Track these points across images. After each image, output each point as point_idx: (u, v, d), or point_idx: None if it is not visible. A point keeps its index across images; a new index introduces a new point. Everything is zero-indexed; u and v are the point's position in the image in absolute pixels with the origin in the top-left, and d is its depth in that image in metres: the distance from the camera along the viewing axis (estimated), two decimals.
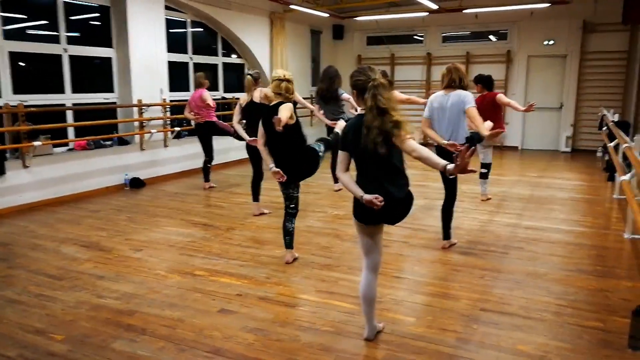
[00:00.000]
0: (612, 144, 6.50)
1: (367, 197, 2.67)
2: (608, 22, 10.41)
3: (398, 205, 2.77)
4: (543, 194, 7.01)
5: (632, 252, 4.54)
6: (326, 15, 11.41)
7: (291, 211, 4.33)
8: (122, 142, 7.74)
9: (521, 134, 11.76)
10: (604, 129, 8.49)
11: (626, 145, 4.85)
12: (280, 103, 4.07)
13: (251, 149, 5.70)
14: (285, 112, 3.91)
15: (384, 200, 2.65)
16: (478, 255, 4.50)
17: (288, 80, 4.13)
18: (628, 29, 10.30)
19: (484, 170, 6.29)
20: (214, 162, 7.54)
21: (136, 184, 7.48)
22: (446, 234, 4.64)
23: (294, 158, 4.16)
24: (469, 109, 4.24)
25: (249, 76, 5.76)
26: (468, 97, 4.31)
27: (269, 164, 4.16)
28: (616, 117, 8.25)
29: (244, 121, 5.85)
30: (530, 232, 5.16)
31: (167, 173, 8.23)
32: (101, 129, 7.49)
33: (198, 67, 9.38)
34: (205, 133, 7.21)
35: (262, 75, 6.25)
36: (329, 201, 6.58)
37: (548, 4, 10.00)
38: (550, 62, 11.40)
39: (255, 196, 5.95)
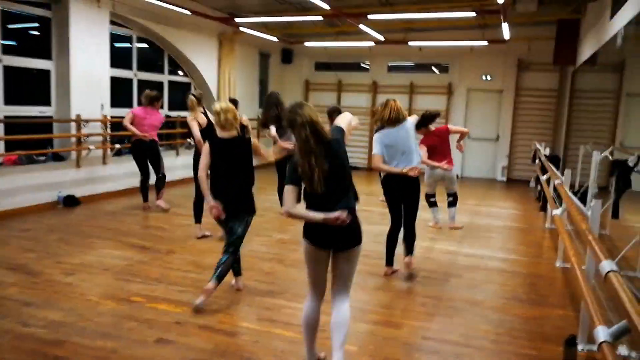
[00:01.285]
0: (544, 177, 6.85)
1: (333, 214, 2.53)
2: (540, 62, 11.11)
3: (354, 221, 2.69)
4: (481, 222, 7.27)
5: (563, 281, 4.76)
6: (275, 39, 11.50)
7: (227, 248, 3.95)
8: (57, 157, 7.37)
9: (461, 163, 12.21)
10: (537, 161, 8.95)
11: (558, 181, 5.12)
12: (241, 137, 3.96)
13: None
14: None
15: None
16: (420, 282, 4.58)
17: (226, 111, 3.87)
18: (558, 70, 11.04)
19: (450, 199, 6.59)
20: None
21: (71, 202, 7.11)
22: (389, 260, 4.70)
23: (245, 190, 3.97)
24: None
25: (192, 96, 5.69)
26: (411, 122, 4.58)
27: (207, 197, 3.87)
28: (547, 151, 8.73)
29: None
30: (469, 260, 5.32)
31: (105, 191, 7.89)
32: (35, 143, 7.11)
33: (142, 83, 9.16)
34: (153, 151, 6.98)
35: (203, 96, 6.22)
36: (273, 225, 6.51)
37: (486, 43, 10.57)
38: (488, 95, 11.98)
39: (198, 218, 5.79)
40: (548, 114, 11.48)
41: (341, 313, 2.75)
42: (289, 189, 2.66)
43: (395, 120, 4.45)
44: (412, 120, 4.62)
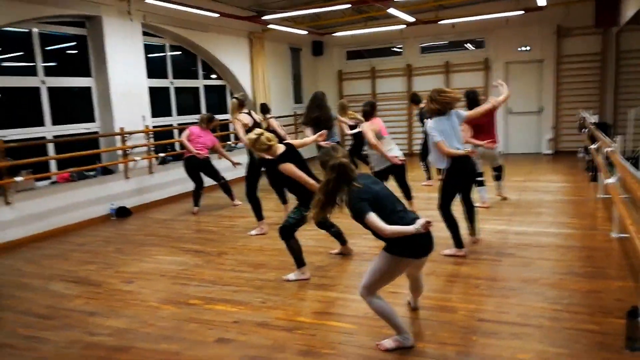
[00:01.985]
0: (594, 146, 6.59)
1: (421, 221, 2.76)
2: (581, 26, 10.64)
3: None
4: (530, 197, 7.07)
5: (620, 252, 4.59)
6: (305, 32, 11.50)
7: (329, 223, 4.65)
8: (106, 171, 7.64)
9: (504, 139, 11.88)
10: (585, 130, 8.61)
11: (609, 149, 4.91)
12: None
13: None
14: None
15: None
16: (471, 264, 4.51)
17: (254, 142, 4.25)
18: (600, 32, 10.54)
19: (495, 173, 6.84)
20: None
21: (123, 213, 7.39)
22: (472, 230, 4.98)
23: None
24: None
25: (234, 99, 5.84)
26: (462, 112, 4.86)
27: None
28: (595, 118, 8.38)
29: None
30: (520, 238, 5.20)
31: (154, 200, 8.16)
32: (83, 159, 7.39)
33: (179, 91, 9.37)
34: (206, 167, 7.44)
35: (246, 97, 6.41)
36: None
37: (521, 12, 10.20)
38: (527, 67, 11.58)
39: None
40: (593, 79, 10.98)
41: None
42: (373, 216, 2.86)
43: (444, 110, 4.62)
44: (461, 111, 4.85)
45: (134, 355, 3.19)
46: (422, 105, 7.86)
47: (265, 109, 7.52)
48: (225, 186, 7.62)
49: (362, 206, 2.87)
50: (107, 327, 3.64)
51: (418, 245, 2.93)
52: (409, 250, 2.93)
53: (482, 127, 6.08)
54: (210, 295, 4.13)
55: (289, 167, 4.21)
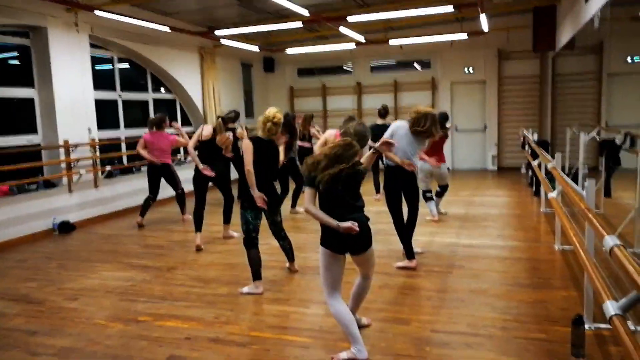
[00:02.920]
0: (535, 162, 6.93)
1: (346, 223, 2.93)
2: (520, 50, 11.25)
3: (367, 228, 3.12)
4: (477, 211, 7.32)
5: (563, 263, 4.82)
6: (256, 49, 11.53)
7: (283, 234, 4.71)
8: (49, 185, 7.31)
9: (450, 155, 12.29)
10: (527, 148, 9.04)
11: (551, 165, 5.18)
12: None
13: (199, 180, 6.00)
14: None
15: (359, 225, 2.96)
16: (423, 276, 4.61)
17: (274, 123, 4.34)
18: (538, 56, 11.18)
19: (438, 190, 7.02)
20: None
21: (65, 228, 7.07)
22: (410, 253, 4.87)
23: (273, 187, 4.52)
24: None
25: (219, 119, 5.95)
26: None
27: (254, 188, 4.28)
28: (536, 137, 8.83)
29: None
30: (469, 250, 5.36)
31: (99, 214, 7.85)
32: (24, 172, 7.05)
33: (127, 103, 9.13)
34: (166, 173, 7.31)
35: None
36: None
37: (465, 36, 10.67)
38: (472, 87, 12.10)
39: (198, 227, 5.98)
40: (532, 100, 11.61)
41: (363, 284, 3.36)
42: (308, 190, 3.06)
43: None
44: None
45: None
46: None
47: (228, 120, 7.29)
48: (180, 197, 7.42)
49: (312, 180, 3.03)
50: (51, 346, 3.45)
51: (337, 240, 3.02)
52: (328, 242, 3.06)
53: (432, 145, 6.26)
54: (160, 312, 4.00)
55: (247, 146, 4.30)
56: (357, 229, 2.94)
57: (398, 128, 4.71)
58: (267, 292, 4.36)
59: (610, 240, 2.39)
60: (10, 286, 4.82)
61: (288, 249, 4.81)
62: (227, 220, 6.35)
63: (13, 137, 7.04)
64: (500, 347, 3.18)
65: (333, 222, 2.97)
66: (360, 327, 3.31)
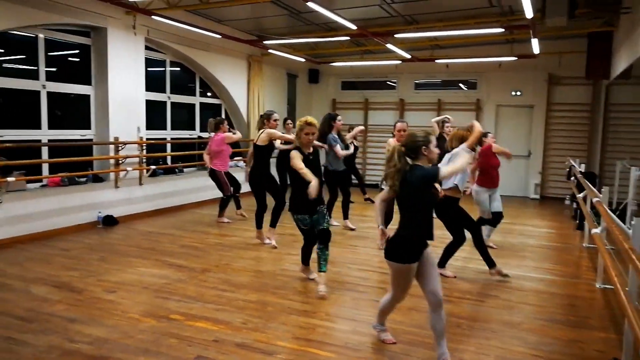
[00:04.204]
0: (581, 195, 6.72)
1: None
2: (572, 76, 10.97)
3: None
4: (515, 241, 7.16)
5: (603, 302, 4.65)
6: (302, 60, 11.69)
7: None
8: (97, 179, 7.62)
9: None
10: (572, 179, 8.79)
11: (596, 199, 5.02)
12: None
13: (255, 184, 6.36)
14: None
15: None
16: (454, 302, 4.54)
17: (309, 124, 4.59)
18: (591, 83, 10.86)
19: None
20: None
21: (109, 222, 7.34)
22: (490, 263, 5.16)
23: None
24: None
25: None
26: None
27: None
28: (583, 168, 8.57)
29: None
30: (504, 280, 5.24)
31: (141, 211, 8.11)
32: (76, 165, 7.39)
33: (175, 106, 9.43)
34: (213, 178, 7.66)
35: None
36: None
37: (515, 58, 10.51)
38: (518, 111, 11.87)
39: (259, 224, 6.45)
40: (582, 129, 11.26)
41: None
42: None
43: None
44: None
45: None
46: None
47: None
48: (223, 201, 7.74)
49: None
50: (87, 335, 3.59)
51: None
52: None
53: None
54: (191, 312, 4.10)
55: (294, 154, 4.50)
56: None
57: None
58: (296, 302, 4.41)
59: None
60: (54, 273, 5.04)
61: (323, 259, 4.67)
62: (273, 224, 6.41)
63: (68, 131, 7.40)
64: None
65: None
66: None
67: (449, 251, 5.29)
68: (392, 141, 6.09)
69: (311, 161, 4.53)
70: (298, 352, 3.44)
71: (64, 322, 3.83)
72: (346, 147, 7.29)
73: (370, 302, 4.42)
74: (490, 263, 5.18)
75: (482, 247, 5.15)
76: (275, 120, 6.42)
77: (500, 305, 4.51)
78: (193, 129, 9.98)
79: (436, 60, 11.25)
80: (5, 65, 6.95)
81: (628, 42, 7.71)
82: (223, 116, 10.80)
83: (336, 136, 7.29)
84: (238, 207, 7.93)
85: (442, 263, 5.25)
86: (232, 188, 7.69)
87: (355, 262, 5.78)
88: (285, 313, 4.17)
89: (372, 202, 7.70)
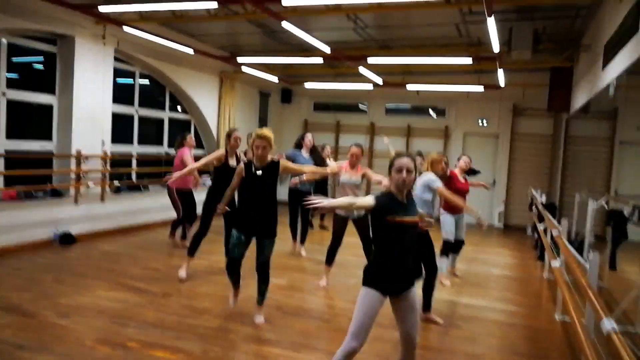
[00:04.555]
0: (541, 227, 6.88)
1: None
2: (535, 108, 11.33)
3: None
4: (479, 269, 7.25)
5: (562, 335, 4.72)
6: (275, 79, 11.69)
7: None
8: (56, 194, 7.34)
9: None
10: (534, 209, 9.00)
11: (555, 232, 5.14)
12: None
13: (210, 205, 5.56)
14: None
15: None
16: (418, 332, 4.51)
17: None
18: (552, 116, 11.24)
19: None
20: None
21: (66, 240, 7.04)
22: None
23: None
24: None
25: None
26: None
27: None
28: (544, 198, 8.79)
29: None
30: (468, 310, 5.28)
31: (102, 229, 7.84)
32: (34, 178, 7.09)
33: (143, 120, 9.24)
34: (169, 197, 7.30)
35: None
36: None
37: (482, 88, 10.80)
38: (484, 140, 12.15)
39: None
40: (544, 159, 11.61)
41: None
42: None
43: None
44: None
45: None
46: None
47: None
48: (175, 222, 7.41)
49: None
50: None
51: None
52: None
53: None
54: (149, 339, 3.95)
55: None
56: None
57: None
58: (259, 331, 4.31)
59: (608, 324, 2.38)
60: (4, 295, 4.79)
61: (261, 293, 4.52)
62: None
63: (27, 142, 7.12)
64: None
65: None
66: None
67: (428, 291, 4.87)
68: (341, 163, 5.87)
69: (258, 177, 4.24)
70: None
71: (11, 348, 3.62)
72: (318, 164, 7.00)
73: (336, 332, 4.36)
74: (428, 306, 4.86)
75: (430, 290, 4.85)
76: (235, 138, 5.73)
77: (464, 336, 4.52)
78: (161, 144, 9.79)
79: (407, 86, 11.44)
80: None
81: (587, 78, 8.03)
82: (192, 132, 10.65)
83: (297, 152, 7.19)
84: (183, 236, 7.43)
85: (426, 306, 4.85)
86: (182, 212, 7.20)
87: (320, 289, 5.71)
88: (247, 342, 4.07)
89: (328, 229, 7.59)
